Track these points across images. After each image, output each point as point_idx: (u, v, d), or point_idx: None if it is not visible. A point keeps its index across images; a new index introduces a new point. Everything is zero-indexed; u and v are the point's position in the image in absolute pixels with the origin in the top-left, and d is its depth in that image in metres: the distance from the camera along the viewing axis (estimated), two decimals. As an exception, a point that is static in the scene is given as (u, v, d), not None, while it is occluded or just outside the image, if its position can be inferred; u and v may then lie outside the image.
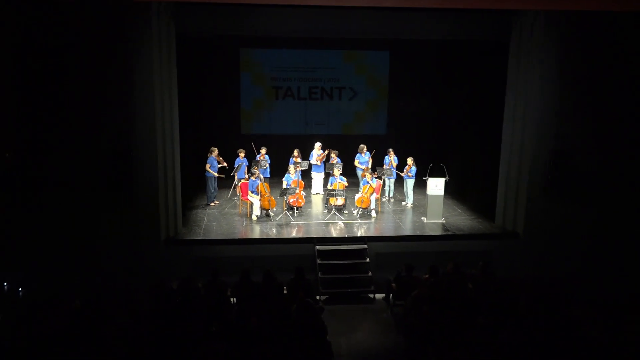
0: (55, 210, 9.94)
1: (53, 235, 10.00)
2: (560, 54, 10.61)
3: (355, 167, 13.73)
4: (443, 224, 11.83)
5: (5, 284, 9.44)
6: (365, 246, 10.82)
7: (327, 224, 11.77)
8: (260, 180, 11.98)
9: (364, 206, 12.20)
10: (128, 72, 9.76)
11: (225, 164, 12.95)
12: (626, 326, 7.36)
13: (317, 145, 13.78)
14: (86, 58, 9.62)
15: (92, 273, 9.94)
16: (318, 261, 10.55)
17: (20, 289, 9.70)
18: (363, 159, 13.64)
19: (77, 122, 9.78)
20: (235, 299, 8.52)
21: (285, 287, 8.60)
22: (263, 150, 13.46)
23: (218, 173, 12.79)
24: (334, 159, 13.48)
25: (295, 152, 13.58)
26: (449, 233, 11.38)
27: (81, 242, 10.07)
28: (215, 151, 12.66)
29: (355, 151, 13.94)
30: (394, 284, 9.40)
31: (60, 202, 9.94)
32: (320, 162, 13.69)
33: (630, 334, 7.12)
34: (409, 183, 13.01)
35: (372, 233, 11.32)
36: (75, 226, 10.04)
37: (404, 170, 12.94)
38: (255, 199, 11.90)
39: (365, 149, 13.67)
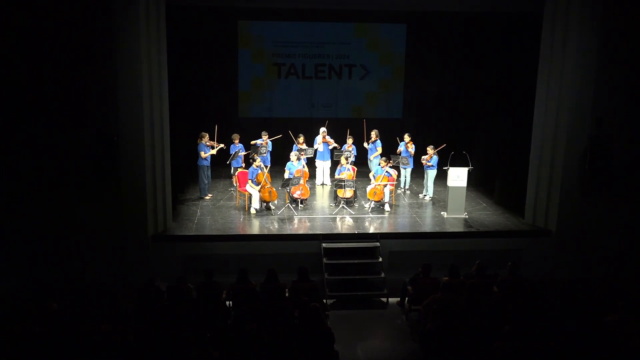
0: (31, 202, 9.98)
1: (28, 230, 10.05)
2: (600, 27, 10.47)
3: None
4: (465, 220, 11.79)
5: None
6: (378, 244, 10.81)
7: (334, 219, 11.76)
8: (261, 169, 11.96)
9: (376, 199, 12.17)
10: (111, 49, 9.72)
11: (221, 146, 12.88)
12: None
13: (322, 130, 13.72)
14: (64, 32, 9.59)
15: (71, 272, 9.99)
16: (324, 260, 10.56)
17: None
18: (372, 147, 13.65)
19: (55, 104, 9.78)
20: (231, 303, 8.54)
21: (287, 290, 8.59)
22: (265, 136, 13.43)
23: (216, 151, 12.72)
24: (350, 145, 13.47)
25: (300, 138, 13.55)
26: (472, 230, 11.34)
27: (59, 238, 10.10)
28: (206, 137, 12.61)
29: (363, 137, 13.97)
30: (409, 287, 9.39)
31: (37, 193, 9.97)
32: (322, 144, 13.63)
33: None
34: (430, 174, 12.96)
35: (385, 229, 11.31)
36: (53, 220, 10.06)
37: (424, 160, 12.87)
38: (254, 190, 11.90)
39: (375, 136, 13.61)
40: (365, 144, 13.85)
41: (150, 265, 10.32)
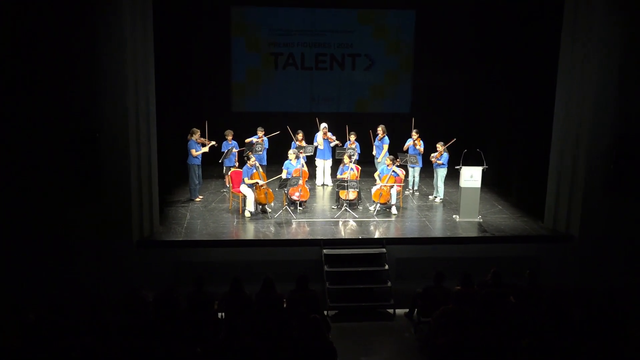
0: (3, 204, 9.96)
1: (2, 236, 10.03)
2: (625, 15, 10.48)
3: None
4: (479, 224, 11.79)
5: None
6: (384, 250, 10.81)
7: (336, 223, 11.76)
8: (257, 168, 11.96)
9: (382, 201, 12.17)
10: (94, 37, 9.71)
11: (213, 143, 12.88)
12: None
13: (323, 126, 13.71)
14: (42, 19, 9.57)
15: (50, 280, 9.98)
16: (325, 268, 10.55)
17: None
18: (379, 145, 13.64)
19: (29, 98, 9.75)
20: (223, 314, 8.54)
21: (285, 300, 8.59)
22: (260, 133, 13.44)
23: (208, 149, 12.74)
24: (352, 142, 13.47)
25: (299, 135, 13.55)
26: (487, 234, 11.34)
27: (36, 244, 10.09)
28: (197, 133, 12.61)
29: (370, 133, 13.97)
30: (418, 297, 9.39)
31: (11, 195, 9.95)
32: (323, 142, 13.64)
33: None
34: (440, 173, 12.96)
35: (392, 234, 11.31)
36: (28, 223, 10.06)
37: (433, 158, 12.87)
38: (249, 191, 11.90)
39: (382, 133, 13.62)
40: (374, 152, 13.84)
41: (135, 273, 10.30)
